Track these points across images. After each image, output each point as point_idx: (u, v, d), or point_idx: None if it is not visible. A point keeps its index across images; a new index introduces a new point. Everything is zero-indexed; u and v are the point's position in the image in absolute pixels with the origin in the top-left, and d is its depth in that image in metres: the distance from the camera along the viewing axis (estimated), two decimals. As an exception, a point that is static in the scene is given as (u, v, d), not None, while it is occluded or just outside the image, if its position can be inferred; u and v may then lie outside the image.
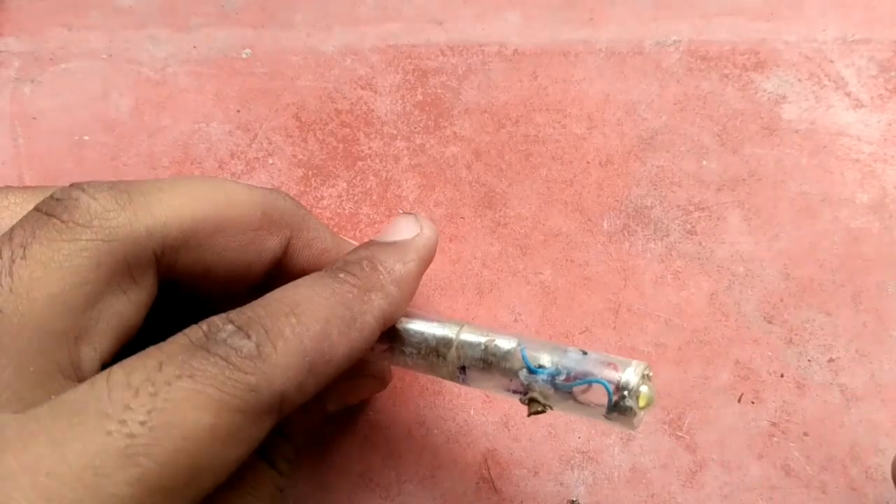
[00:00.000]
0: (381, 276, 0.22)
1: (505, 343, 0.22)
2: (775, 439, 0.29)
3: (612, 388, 0.20)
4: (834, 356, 0.30)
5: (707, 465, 0.29)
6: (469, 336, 0.23)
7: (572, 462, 0.29)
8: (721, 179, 0.32)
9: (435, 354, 0.23)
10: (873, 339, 0.30)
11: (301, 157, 0.33)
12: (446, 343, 0.23)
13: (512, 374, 0.22)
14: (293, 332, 0.19)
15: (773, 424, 0.29)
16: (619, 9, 0.35)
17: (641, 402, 0.20)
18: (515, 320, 0.30)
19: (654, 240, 0.32)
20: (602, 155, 0.33)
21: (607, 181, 0.33)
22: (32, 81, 0.34)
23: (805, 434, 0.29)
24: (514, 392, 0.22)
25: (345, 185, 0.33)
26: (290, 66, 0.35)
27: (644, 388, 0.20)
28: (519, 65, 0.34)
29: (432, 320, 0.24)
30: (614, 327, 0.30)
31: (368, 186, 0.33)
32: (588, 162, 0.33)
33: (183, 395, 0.17)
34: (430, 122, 0.34)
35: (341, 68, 0.35)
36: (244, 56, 0.35)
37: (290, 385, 0.19)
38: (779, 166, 0.33)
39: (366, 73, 0.34)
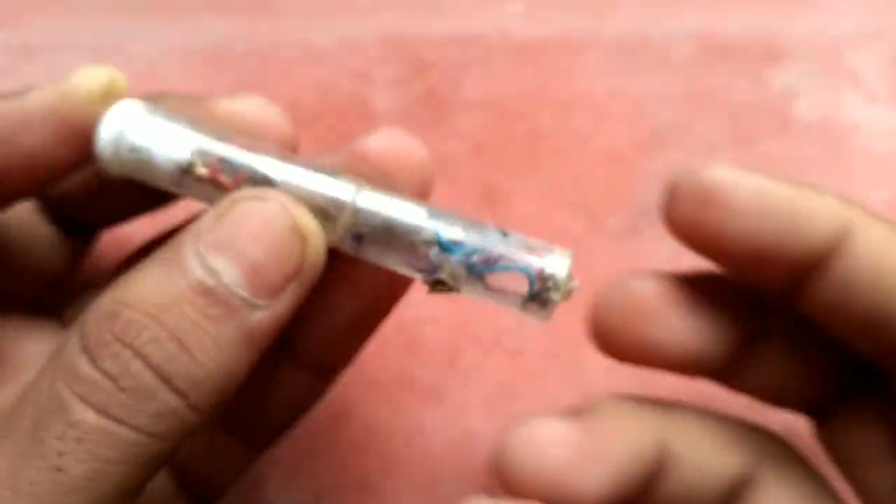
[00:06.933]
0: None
1: (413, 211, 0.19)
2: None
3: (535, 276, 0.18)
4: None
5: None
6: (369, 201, 0.19)
7: (577, 471, 0.28)
8: (732, 177, 0.32)
9: (322, 216, 0.19)
10: (889, 344, 0.29)
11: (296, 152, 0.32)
12: (338, 206, 0.19)
13: (419, 249, 0.19)
14: None
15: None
16: (626, -1, 0.34)
17: (562, 294, 0.19)
18: (517, 321, 0.30)
19: (662, 240, 0.31)
20: (609, 151, 0.32)
21: (614, 179, 0.32)
22: (18, 74, 0.33)
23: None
24: (420, 270, 0.19)
25: (341, 182, 0.32)
26: (284, 58, 0.34)
27: (571, 281, 0.19)
28: (522, 57, 0.34)
29: (323, 171, 0.20)
30: (621, 331, 0.30)
31: (366, 184, 0.32)
32: (594, 158, 0.32)
33: None
34: (429, 117, 0.33)
35: (337, 60, 0.34)
36: (237, 47, 0.34)
37: None
38: (791, 163, 0.32)
39: (363, 65, 0.33)
